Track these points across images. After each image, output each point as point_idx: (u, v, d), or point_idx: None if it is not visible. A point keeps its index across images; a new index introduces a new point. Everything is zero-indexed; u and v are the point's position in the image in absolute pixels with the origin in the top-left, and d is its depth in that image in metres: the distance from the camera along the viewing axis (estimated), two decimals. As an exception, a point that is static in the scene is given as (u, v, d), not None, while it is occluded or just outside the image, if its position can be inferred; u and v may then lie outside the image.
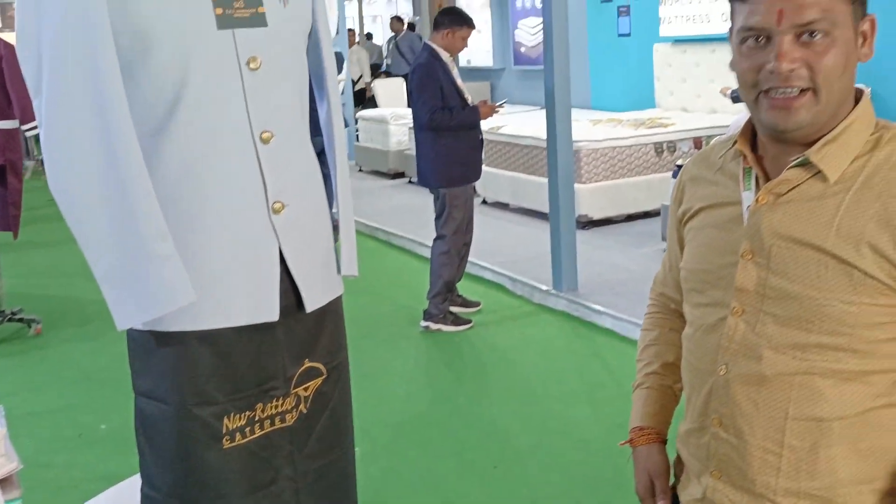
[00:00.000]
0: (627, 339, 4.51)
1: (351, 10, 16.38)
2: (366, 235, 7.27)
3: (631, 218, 6.81)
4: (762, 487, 1.27)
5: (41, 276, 6.60)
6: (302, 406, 1.72)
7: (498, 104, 4.97)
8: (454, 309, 5.02)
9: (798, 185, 1.24)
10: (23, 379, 4.54)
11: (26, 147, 11.82)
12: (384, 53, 14.27)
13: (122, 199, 1.48)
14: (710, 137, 6.94)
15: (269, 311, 1.62)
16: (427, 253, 6.40)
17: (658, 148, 6.98)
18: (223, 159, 1.57)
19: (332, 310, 1.79)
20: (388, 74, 12.93)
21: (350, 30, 13.67)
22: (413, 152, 5.82)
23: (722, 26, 7.73)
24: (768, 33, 1.19)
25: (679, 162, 6.26)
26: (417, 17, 14.99)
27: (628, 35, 8.95)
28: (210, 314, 1.58)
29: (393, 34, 13.67)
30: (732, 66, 1.28)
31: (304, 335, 1.72)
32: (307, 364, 1.73)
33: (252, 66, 1.57)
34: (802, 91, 1.19)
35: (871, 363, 1.21)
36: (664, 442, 1.50)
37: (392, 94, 11.20)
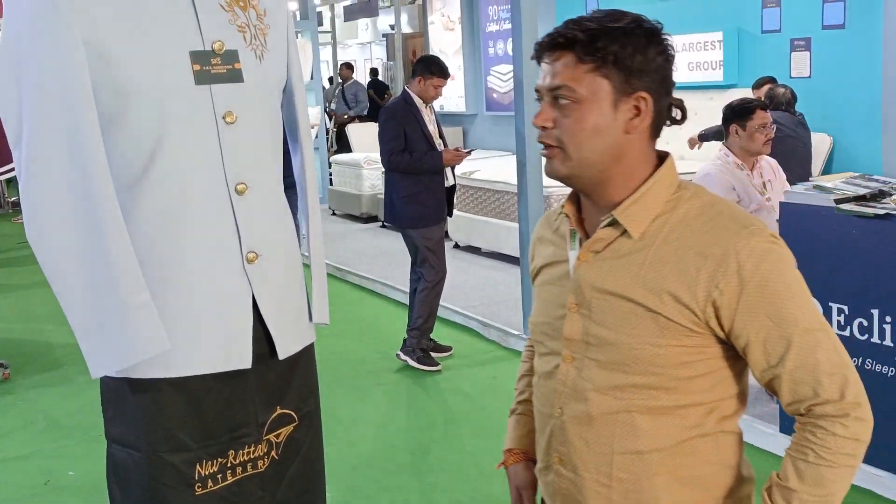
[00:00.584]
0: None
1: (325, 55, 16.55)
2: (338, 279, 7.28)
3: (601, 262, 6.87)
4: None
5: (9, 320, 6.54)
6: (274, 452, 1.74)
7: (465, 150, 5.06)
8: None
9: (610, 243, 1.39)
10: (-11, 424, 4.49)
11: (-3, 190, 11.75)
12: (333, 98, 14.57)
13: (98, 251, 1.51)
14: (677, 183, 7.05)
15: (241, 358, 1.65)
16: (398, 296, 6.44)
17: (627, 193, 7.07)
18: (199, 211, 1.60)
19: (305, 356, 1.82)
20: (362, 119, 13.05)
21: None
22: (386, 196, 5.90)
23: (688, 75, 7.90)
24: (541, 95, 1.39)
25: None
26: (391, 62, 15.16)
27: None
28: (184, 362, 1.60)
29: (341, 81, 13.98)
30: None
31: (276, 382, 1.74)
32: (279, 411, 1.75)
33: (228, 120, 1.62)
34: (554, 147, 1.37)
35: (681, 398, 1.35)
36: (532, 460, 1.62)
37: (365, 139, 11.29)
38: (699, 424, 1.37)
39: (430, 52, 12.02)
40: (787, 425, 3.81)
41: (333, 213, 10.36)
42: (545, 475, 1.50)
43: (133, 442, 1.62)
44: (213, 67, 1.60)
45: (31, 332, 6.14)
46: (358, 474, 3.74)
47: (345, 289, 7.05)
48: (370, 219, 9.68)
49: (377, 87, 15.00)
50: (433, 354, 5.09)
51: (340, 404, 4.47)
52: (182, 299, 1.60)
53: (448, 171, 4.99)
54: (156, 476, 1.60)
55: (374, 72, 15.75)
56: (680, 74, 8.04)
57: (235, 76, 1.63)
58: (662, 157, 1.42)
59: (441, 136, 5.03)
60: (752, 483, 1.46)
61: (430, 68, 4.87)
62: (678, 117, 1.41)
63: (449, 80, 5.03)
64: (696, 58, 7.77)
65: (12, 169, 5.18)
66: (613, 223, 1.38)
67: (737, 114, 4.26)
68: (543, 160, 1.42)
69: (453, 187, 5.08)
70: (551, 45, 1.36)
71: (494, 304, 5.98)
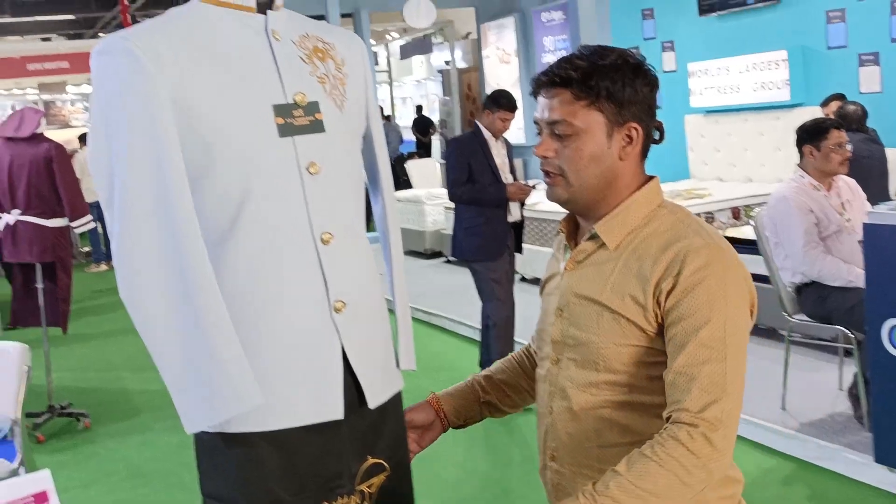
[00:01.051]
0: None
1: (383, 94, 16.76)
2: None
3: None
4: None
5: (86, 369, 6.67)
6: (367, 503, 1.72)
7: (530, 185, 5.04)
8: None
9: (591, 253, 1.53)
10: (73, 475, 4.56)
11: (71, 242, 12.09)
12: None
13: (191, 308, 1.51)
14: (748, 207, 6.93)
15: (333, 409, 1.63)
16: (466, 332, 6.40)
17: (695, 219, 6.96)
18: (286, 262, 1.60)
19: (393, 404, 1.80)
20: (421, 155, 13.16)
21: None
22: (449, 231, 5.93)
23: (752, 96, 7.78)
24: (540, 127, 1.54)
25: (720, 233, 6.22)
26: (447, 98, 15.28)
27: (659, 108, 9.03)
28: (276, 415, 1.59)
29: None
30: None
31: (366, 431, 1.72)
32: (370, 460, 1.73)
33: (312, 170, 1.62)
34: (556, 175, 1.51)
35: (652, 397, 1.44)
36: (437, 409, 1.85)
37: (426, 175, 11.36)
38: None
39: (486, 86, 12.08)
40: (881, 455, 3.66)
41: (397, 250, 10.40)
42: (544, 475, 1.61)
43: (229, 497, 1.61)
44: (296, 119, 1.61)
45: (109, 380, 6.26)
46: (439, 516, 3.69)
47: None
48: (434, 254, 9.69)
49: (421, 124, 15.12)
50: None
51: (417, 444, 4.44)
52: (273, 352, 1.59)
53: (515, 206, 4.96)
54: (252, 531, 1.59)
55: (419, 109, 15.89)
56: (744, 95, 7.95)
57: (317, 127, 1.63)
58: (650, 178, 1.56)
59: (512, 170, 5.02)
60: (738, 484, 1.53)
61: (498, 101, 4.89)
62: (657, 137, 1.56)
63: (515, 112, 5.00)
64: (760, 78, 7.64)
65: (88, 221, 5.32)
66: (594, 236, 1.52)
67: (810, 134, 4.16)
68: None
69: (522, 223, 5.05)
70: (549, 83, 1.50)
71: (566, 337, 5.90)
